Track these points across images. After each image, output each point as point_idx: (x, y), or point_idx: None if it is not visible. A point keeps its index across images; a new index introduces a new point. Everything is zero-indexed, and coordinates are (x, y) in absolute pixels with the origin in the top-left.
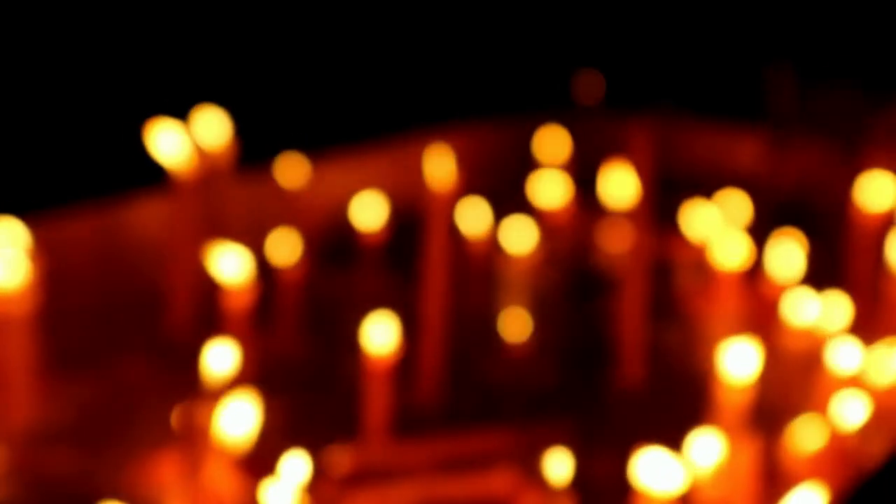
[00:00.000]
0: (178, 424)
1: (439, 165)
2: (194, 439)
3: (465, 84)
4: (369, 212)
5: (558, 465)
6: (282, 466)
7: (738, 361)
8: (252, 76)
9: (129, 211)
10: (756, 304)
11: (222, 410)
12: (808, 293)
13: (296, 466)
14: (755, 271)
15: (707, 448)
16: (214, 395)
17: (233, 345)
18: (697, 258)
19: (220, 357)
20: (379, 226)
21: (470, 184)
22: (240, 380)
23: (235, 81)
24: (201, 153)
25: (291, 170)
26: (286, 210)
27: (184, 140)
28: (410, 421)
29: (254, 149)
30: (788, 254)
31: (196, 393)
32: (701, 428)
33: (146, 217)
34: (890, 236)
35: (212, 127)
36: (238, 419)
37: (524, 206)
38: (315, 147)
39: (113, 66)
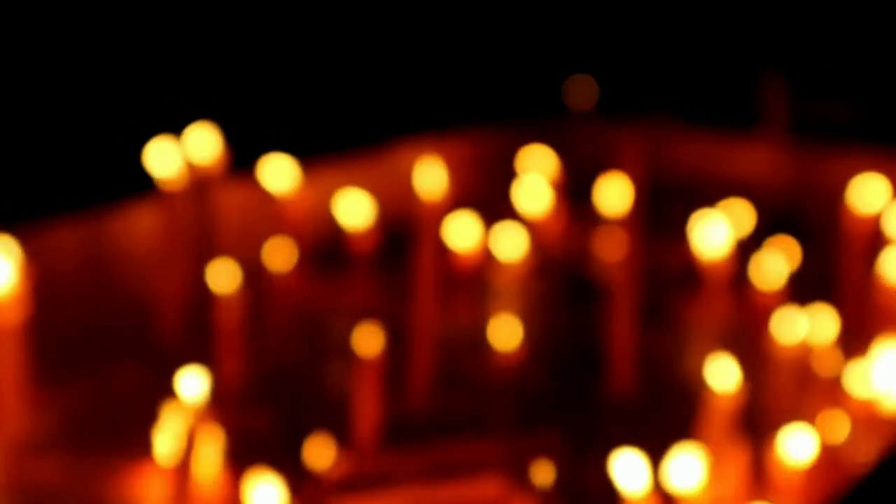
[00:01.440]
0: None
1: (429, 175)
2: (183, 449)
3: (456, 91)
4: (359, 219)
5: (547, 474)
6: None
7: (720, 375)
8: (243, 84)
9: (118, 220)
10: (747, 312)
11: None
12: (798, 302)
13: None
14: (746, 280)
15: (690, 465)
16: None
17: (204, 371)
18: (689, 266)
19: (193, 384)
20: (369, 233)
21: (461, 192)
22: (230, 387)
23: (226, 89)
24: (193, 163)
25: (283, 177)
26: (277, 218)
27: (176, 150)
28: (401, 428)
29: (244, 155)
30: (779, 262)
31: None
32: (685, 443)
33: (136, 226)
34: (881, 243)
35: (203, 137)
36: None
37: (515, 214)
38: (305, 154)
39: (101, 76)
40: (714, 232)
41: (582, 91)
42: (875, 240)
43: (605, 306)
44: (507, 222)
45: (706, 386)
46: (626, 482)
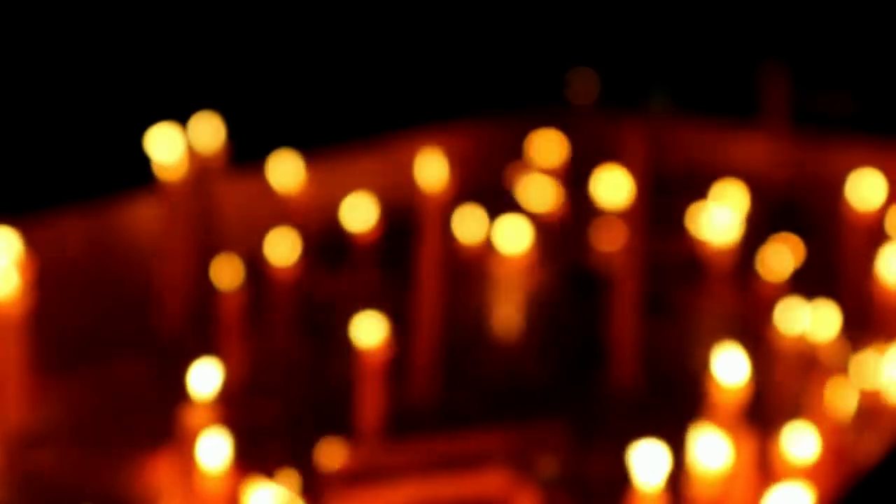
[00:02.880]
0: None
1: (432, 166)
2: (188, 441)
3: (458, 83)
4: (362, 212)
5: (552, 466)
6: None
7: (729, 367)
8: (245, 77)
9: (121, 212)
10: (750, 303)
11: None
12: (801, 294)
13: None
14: (749, 270)
15: (710, 447)
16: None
17: (217, 362)
18: (691, 257)
19: (206, 375)
20: (371, 226)
21: (463, 182)
22: (233, 381)
23: (229, 83)
24: (194, 155)
25: (285, 170)
26: (280, 211)
27: (178, 142)
28: (405, 421)
29: (247, 149)
30: (782, 253)
31: (188, 395)
32: (701, 426)
33: (138, 218)
34: (881, 237)
35: (205, 129)
36: (230, 422)
37: (517, 205)
38: (308, 147)
39: (104, 69)
40: (717, 221)
41: (584, 82)
42: (875, 231)
43: (609, 298)
44: (510, 214)
45: (712, 377)
46: (643, 474)
